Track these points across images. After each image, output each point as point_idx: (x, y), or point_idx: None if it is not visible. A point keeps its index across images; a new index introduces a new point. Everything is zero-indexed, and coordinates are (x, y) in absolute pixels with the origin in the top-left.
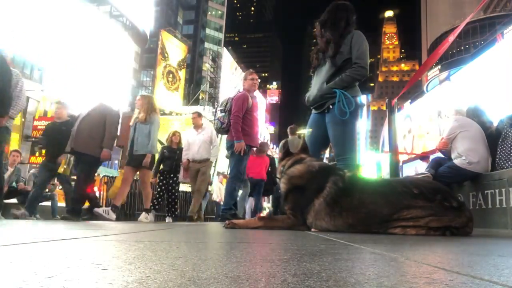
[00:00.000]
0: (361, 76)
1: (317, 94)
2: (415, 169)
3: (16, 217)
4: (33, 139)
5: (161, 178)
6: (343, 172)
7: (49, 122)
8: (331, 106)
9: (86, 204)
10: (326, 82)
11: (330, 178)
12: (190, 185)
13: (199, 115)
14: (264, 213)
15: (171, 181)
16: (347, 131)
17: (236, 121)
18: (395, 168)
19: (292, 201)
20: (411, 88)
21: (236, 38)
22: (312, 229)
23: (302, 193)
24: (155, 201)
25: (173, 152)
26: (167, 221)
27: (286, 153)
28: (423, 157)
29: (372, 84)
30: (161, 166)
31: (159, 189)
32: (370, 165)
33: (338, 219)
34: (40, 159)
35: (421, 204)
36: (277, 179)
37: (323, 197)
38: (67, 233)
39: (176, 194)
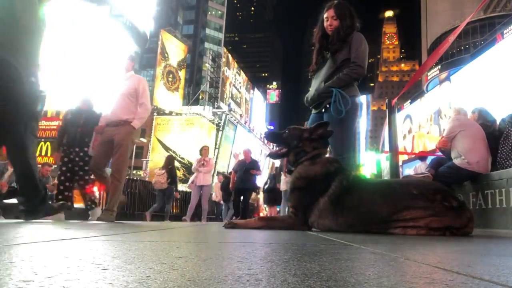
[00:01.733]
0: (358, 75)
1: (315, 93)
2: (414, 169)
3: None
4: None
5: (67, 152)
6: (349, 171)
7: None
8: (328, 106)
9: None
10: (325, 81)
11: (337, 178)
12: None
13: (132, 59)
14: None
15: (76, 158)
16: (345, 131)
17: None
18: (395, 168)
19: (297, 200)
20: (411, 88)
21: (236, 38)
22: (313, 229)
23: (309, 193)
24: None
25: (77, 115)
26: (89, 219)
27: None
28: (422, 157)
29: (372, 84)
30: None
31: (64, 169)
32: (370, 165)
33: (340, 217)
34: (40, 159)
35: (421, 205)
36: (288, 172)
37: (328, 196)
38: (67, 233)
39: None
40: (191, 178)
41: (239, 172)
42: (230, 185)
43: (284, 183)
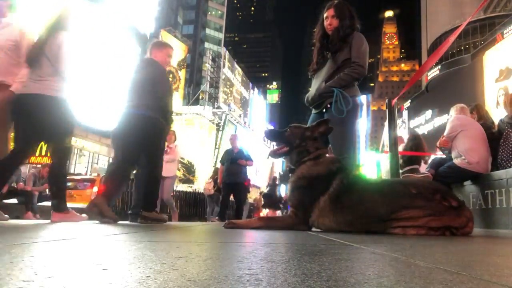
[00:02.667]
0: (359, 74)
1: (315, 93)
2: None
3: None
4: None
5: None
6: (350, 171)
7: None
8: (329, 105)
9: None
10: (325, 81)
11: (338, 176)
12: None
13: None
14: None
15: None
16: (346, 131)
17: None
18: (395, 168)
19: (297, 199)
20: (411, 88)
21: (236, 38)
22: (313, 229)
23: (310, 192)
24: None
25: None
26: None
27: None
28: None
29: (372, 84)
30: None
31: None
32: (370, 165)
33: (339, 215)
34: (40, 159)
35: (420, 204)
36: (290, 169)
37: (329, 194)
38: (67, 233)
39: None
40: None
41: (226, 164)
42: (218, 180)
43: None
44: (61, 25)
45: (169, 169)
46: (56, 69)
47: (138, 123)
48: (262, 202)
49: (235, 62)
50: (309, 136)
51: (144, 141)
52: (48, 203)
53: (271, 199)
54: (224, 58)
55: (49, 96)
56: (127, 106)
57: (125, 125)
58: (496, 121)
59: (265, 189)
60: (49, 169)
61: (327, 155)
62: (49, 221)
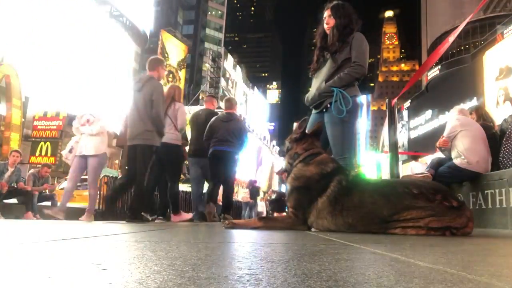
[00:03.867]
0: (359, 74)
1: (315, 93)
2: (411, 170)
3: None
4: (33, 139)
5: None
6: (348, 171)
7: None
8: (329, 105)
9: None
10: (326, 81)
11: (336, 178)
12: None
13: None
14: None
15: None
16: (345, 131)
17: None
18: (395, 168)
19: (295, 200)
20: (411, 88)
21: (236, 38)
22: (313, 229)
23: (307, 193)
24: None
25: None
26: None
27: (302, 135)
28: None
29: (372, 84)
30: None
31: None
32: (370, 165)
33: (339, 218)
34: (40, 159)
35: (421, 205)
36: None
37: (327, 196)
38: (67, 233)
39: None
40: (69, 144)
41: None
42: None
43: None
44: (177, 98)
45: (95, 145)
46: (174, 126)
47: (226, 156)
48: (269, 207)
49: (234, 61)
50: (294, 138)
51: (227, 166)
52: (48, 203)
53: (278, 202)
54: (225, 57)
55: (172, 143)
56: (225, 145)
57: (219, 157)
58: (496, 121)
59: (265, 189)
60: (169, 190)
61: (321, 154)
62: (48, 221)
